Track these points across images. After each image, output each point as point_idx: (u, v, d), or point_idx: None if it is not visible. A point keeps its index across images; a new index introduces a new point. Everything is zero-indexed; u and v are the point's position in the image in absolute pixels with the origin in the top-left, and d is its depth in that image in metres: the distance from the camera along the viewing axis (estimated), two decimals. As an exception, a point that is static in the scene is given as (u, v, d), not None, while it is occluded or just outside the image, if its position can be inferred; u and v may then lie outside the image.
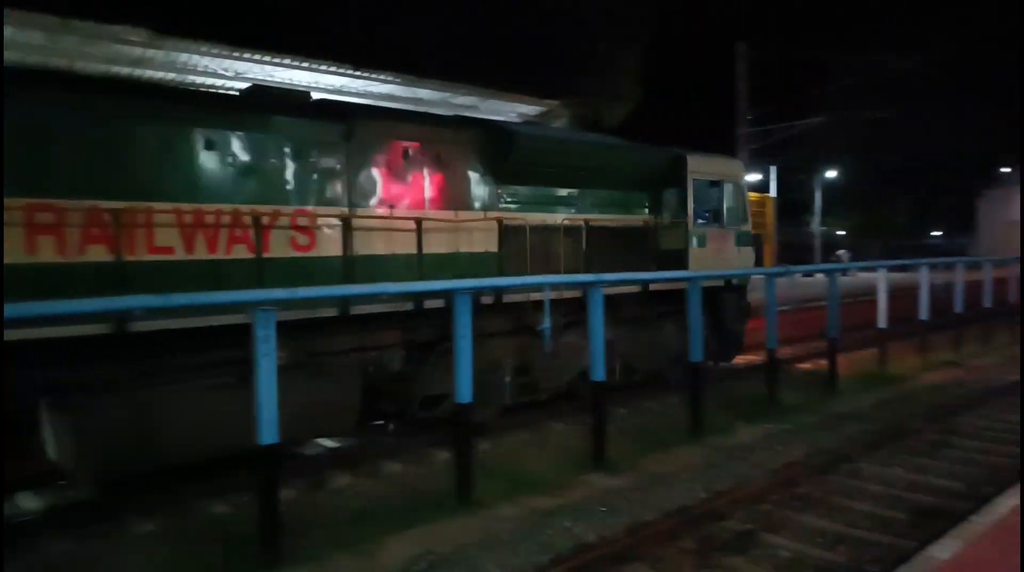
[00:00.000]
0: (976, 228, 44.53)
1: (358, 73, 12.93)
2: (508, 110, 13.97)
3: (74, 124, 5.43)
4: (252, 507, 4.93)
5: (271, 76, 12.58)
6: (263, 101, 7.00)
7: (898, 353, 11.96)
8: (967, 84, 42.63)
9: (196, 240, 5.93)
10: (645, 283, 9.30)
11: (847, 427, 8.24)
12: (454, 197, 7.78)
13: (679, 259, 9.93)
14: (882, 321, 11.37)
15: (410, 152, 7.40)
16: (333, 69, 12.67)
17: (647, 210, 10.09)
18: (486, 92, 13.20)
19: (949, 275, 14.25)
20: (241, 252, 6.16)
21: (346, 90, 13.24)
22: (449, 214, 7.69)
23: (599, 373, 6.99)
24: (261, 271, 6.17)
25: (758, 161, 27.39)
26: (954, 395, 9.79)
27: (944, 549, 3.85)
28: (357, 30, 20.57)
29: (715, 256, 10.55)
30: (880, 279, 11.43)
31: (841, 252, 30.24)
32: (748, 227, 11.33)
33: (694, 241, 10.13)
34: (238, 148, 6.24)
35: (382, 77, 13.14)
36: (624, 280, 8.75)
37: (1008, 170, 43.55)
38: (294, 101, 7.33)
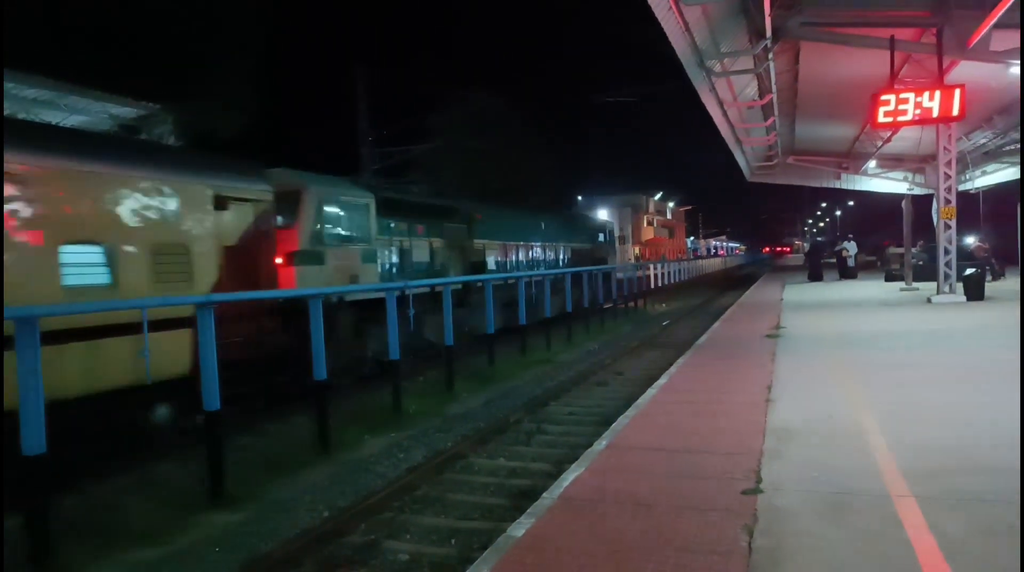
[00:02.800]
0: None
1: None
2: (97, 110, 12.17)
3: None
4: None
5: None
6: None
7: (505, 354, 13.48)
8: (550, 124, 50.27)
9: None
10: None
11: (461, 427, 8.95)
12: None
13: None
14: (448, 338, 11.01)
15: None
16: None
17: None
18: (65, 87, 11.30)
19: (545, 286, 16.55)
20: None
21: None
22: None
23: (213, 400, 6.46)
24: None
25: (383, 180, 28.50)
26: (546, 388, 11.34)
27: (520, 527, 4.34)
28: None
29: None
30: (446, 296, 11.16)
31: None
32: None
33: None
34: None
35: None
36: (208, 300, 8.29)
37: (580, 198, 52.48)
38: None
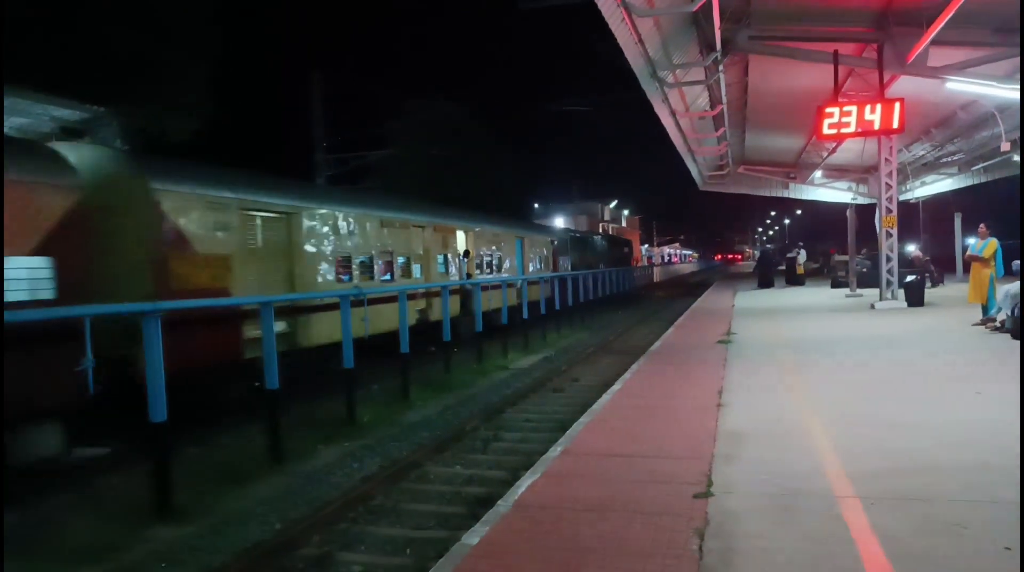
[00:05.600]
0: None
1: None
2: (39, 111, 11.73)
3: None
4: None
5: None
6: None
7: (461, 361, 13.46)
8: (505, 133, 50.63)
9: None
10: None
11: (417, 435, 8.90)
12: None
13: None
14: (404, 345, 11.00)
15: None
16: None
17: None
18: (3, 87, 10.87)
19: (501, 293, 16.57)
20: None
21: None
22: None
23: (159, 412, 6.28)
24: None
25: (340, 185, 28.19)
26: (503, 395, 11.35)
27: (474, 535, 4.34)
28: None
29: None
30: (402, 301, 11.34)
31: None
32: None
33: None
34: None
35: None
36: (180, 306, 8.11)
37: (537, 206, 52.87)
38: None
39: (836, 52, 14.54)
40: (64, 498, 6.58)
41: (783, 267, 35.52)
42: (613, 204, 76.99)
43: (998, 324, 12.02)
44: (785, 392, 8.09)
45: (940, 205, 32.74)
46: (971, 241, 14.75)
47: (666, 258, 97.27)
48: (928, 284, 20.85)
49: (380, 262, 13.49)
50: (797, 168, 30.85)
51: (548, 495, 5.02)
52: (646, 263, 72.13)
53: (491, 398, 11.14)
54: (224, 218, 9.62)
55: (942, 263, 28.42)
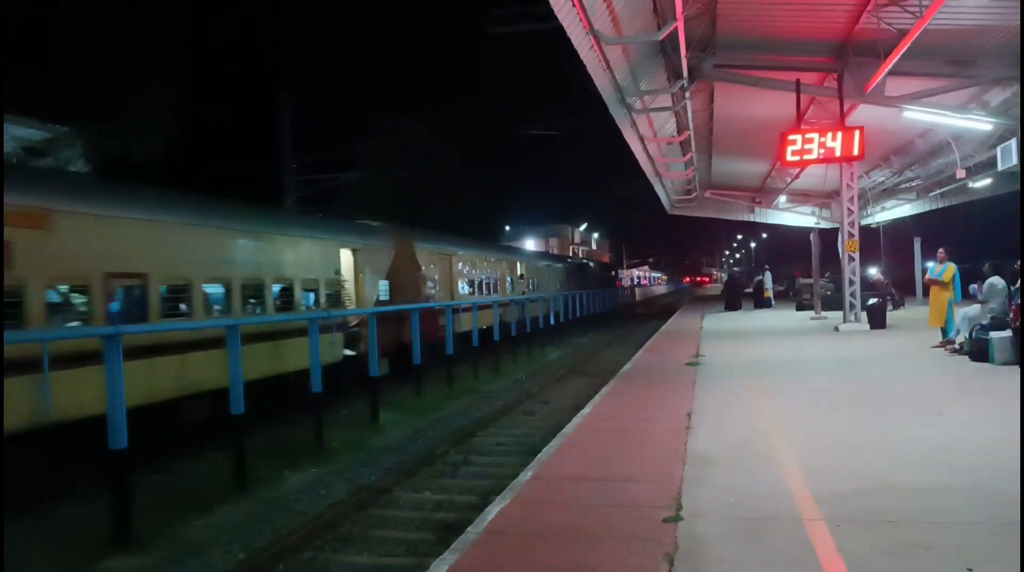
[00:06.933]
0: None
1: None
2: (-1, 131, 11.53)
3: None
4: None
5: None
6: None
7: (431, 384, 13.36)
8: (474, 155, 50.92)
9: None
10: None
11: (386, 460, 8.78)
12: None
13: None
14: (373, 369, 11.04)
15: None
16: None
17: None
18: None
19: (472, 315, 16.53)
20: None
21: None
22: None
23: (120, 439, 6.11)
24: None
25: (309, 207, 28.01)
26: (474, 418, 11.28)
27: (443, 563, 4.28)
28: None
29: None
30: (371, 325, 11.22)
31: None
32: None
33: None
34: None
35: None
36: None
37: (508, 228, 53.11)
38: None
39: (798, 81, 14.94)
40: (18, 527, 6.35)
41: (750, 290, 36.05)
42: (583, 227, 77.61)
43: (957, 346, 12.31)
44: (752, 414, 8.17)
45: (900, 230, 33.60)
46: (930, 265, 15.14)
47: (636, 281, 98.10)
48: (890, 307, 21.31)
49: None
50: (762, 193, 31.46)
51: (519, 520, 4.97)
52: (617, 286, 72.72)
53: (461, 421, 11.07)
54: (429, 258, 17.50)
55: (903, 286, 29.10)
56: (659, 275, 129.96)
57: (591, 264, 48.25)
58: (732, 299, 32.51)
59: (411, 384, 12.89)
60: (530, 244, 50.02)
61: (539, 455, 6.93)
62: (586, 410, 9.16)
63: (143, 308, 8.73)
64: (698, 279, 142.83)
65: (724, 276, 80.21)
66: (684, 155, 23.10)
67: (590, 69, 13.04)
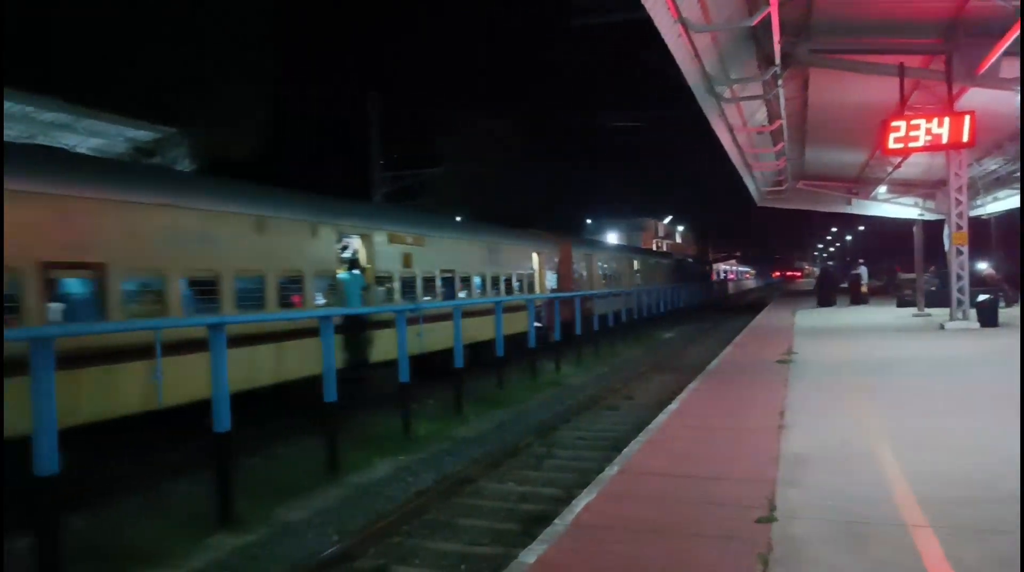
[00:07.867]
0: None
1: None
2: (114, 133, 12.35)
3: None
4: None
5: None
6: None
7: (513, 376, 13.45)
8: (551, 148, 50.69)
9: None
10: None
11: (471, 450, 8.91)
12: None
13: None
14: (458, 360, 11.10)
15: None
16: None
17: None
18: (81, 110, 11.47)
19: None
20: None
21: None
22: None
23: (223, 421, 6.45)
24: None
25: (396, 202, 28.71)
26: (555, 412, 11.28)
27: (531, 553, 4.30)
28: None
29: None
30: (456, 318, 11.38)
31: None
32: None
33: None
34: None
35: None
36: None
37: (590, 221, 52.72)
38: None
39: (902, 64, 14.11)
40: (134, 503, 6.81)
41: (844, 285, 34.44)
42: (667, 219, 76.13)
43: (1080, 347, 11.38)
44: (850, 414, 7.81)
45: (1013, 221, 31.29)
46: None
47: (721, 275, 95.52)
48: (1002, 304, 19.90)
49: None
50: (859, 183, 29.91)
51: (605, 515, 4.94)
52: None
53: (542, 415, 11.10)
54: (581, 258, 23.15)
55: (1016, 282, 27.12)
56: (747, 269, 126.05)
57: (690, 260, 53.92)
58: (825, 294, 31.16)
59: (493, 376, 13.01)
60: (612, 237, 49.51)
61: (624, 450, 6.86)
62: (672, 406, 9.00)
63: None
64: (788, 274, 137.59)
65: (816, 271, 77.06)
66: (775, 145, 22.24)
67: (678, 59, 12.72)
